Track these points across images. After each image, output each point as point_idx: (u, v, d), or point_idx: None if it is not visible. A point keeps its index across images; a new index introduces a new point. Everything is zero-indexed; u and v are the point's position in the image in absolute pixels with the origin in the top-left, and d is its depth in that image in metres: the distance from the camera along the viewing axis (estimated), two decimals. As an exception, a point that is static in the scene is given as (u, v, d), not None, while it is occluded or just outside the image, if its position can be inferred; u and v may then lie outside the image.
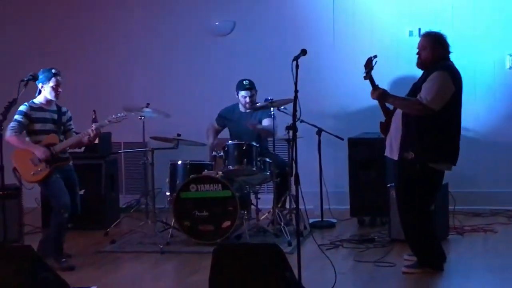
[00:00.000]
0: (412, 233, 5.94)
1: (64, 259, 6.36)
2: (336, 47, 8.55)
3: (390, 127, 5.99)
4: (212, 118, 7.95)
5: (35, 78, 6.42)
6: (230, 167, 7.00)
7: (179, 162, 7.30)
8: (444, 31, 8.19)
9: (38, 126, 6.44)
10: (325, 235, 7.21)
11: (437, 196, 6.10)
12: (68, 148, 6.62)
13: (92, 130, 6.44)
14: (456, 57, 8.37)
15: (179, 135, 7.25)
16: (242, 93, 7.55)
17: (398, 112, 5.91)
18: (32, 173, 6.39)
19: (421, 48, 5.89)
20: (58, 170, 6.45)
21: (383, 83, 8.29)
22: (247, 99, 7.54)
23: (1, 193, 6.22)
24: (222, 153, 7.08)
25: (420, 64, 5.92)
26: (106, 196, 7.96)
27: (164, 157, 7.59)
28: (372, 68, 5.88)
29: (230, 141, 7.17)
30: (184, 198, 6.97)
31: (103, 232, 7.50)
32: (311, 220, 7.42)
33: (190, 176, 7.05)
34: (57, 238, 6.39)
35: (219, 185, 6.93)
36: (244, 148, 6.99)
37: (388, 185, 7.01)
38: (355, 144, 7.71)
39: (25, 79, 6.37)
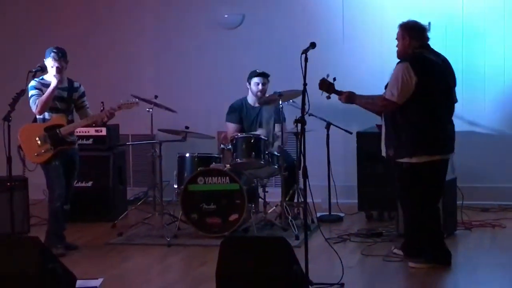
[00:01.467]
0: (412, 229, 5.92)
1: (63, 243, 6.47)
2: (345, 40, 8.51)
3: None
4: (220, 111, 7.90)
5: (43, 69, 6.41)
6: (238, 160, 6.99)
7: (187, 155, 7.30)
8: (454, 25, 8.24)
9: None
10: (332, 229, 7.19)
11: (441, 191, 6.00)
12: (75, 131, 6.63)
13: (106, 114, 6.43)
14: (466, 51, 8.37)
15: (187, 127, 7.23)
16: (255, 79, 7.47)
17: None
18: (35, 154, 6.40)
19: (397, 40, 5.89)
20: (61, 153, 6.43)
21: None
22: (260, 87, 7.48)
23: (8, 184, 6.23)
24: (230, 146, 7.07)
25: (397, 54, 5.88)
26: (114, 188, 7.96)
27: (172, 149, 7.59)
28: (331, 85, 5.92)
29: (238, 134, 7.15)
30: (192, 190, 6.96)
31: (110, 224, 7.50)
32: (318, 214, 7.40)
33: (198, 169, 7.04)
34: (53, 225, 6.50)
35: (227, 178, 6.92)
36: (252, 141, 6.97)
37: (397, 179, 6.99)
38: (363, 138, 7.68)
39: (34, 70, 6.38)
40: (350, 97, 5.94)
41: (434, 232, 5.88)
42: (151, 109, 7.32)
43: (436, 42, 8.26)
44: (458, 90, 8.20)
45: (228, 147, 7.10)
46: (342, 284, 5.37)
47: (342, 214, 7.78)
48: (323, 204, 7.81)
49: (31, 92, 6.41)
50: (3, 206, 6.67)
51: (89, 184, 7.85)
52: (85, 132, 7.92)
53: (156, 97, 7.39)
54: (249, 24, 8.76)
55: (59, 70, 6.41)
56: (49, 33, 9.12)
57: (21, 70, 6.53)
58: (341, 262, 5.52)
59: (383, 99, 5.73)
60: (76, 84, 6.58)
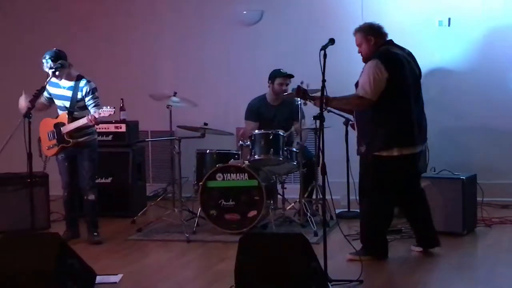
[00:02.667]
0: (367, 220, 6.01)
1: (66, 231, 6.78)
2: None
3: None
4: (239, 107, 7.92)
5: (63, 66, 6.44)
6: (257, 156, 6.99)
7: (206, 151, 7.31)
8: (474, 20, 8.19)
9: (55, 102, 6.68)
10: (351, 226, 7.16)
11: (414, 182, 6.12)
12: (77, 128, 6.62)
13: (90, 119, 6.46)
14: (485, 47, 8.32)
15: (206, 124, 7.25)
16: (280, 80, 7.46)
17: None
18: (46, 147, 6.72)
19: (358, 45, 5.97)
20: (65, 150, 6.65)
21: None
22: (283, 87, 7.48)
23: (29, 180, 6.27)
24: (248, 142, 7.07)
25: (364, 59, 5.94)
26: (133, 184, 8.00)
27: (191, 146, 7.61)
28: (305, 92, 5.98)
29: (256, 131, 7.15)
30: (211, 187, 6.98)
31: (130, 220, 7.54)
32: (337, 211, 7.40)
33: (217, 165, 7.05)
34: (67, 213, 6.90)
35: (246, 174, 6.92)
36: (270, 137, 6.97)
37: (416, 176, 6.97)
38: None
39: (54, 67, 6.41)
40: (325, 101, 5.93)
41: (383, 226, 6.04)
42: (170, 105, 7.34)
43: (455, 37, 8.29)
44: (478, 87, 8.24)
45: (246, 143, 7.10)
46: (361, 281, 5.36)
47: (361, 211, 7.75)
48: (342, 200, 7.80)
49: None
50: (23, 202, 6.72)
51: (109, 180, 7.89)
52: (105, 128, 7.97)
53: (175, 93, 7.41)
54: (268, 20, 8.76)
55: (56, 75, 6.52)
56: (68, 30, 9.18)
57: (40, 66, 6.56)
58: (360, 258, 5.51)
59: (357, 97, 5.78)
60: (81, 83, 6.60)
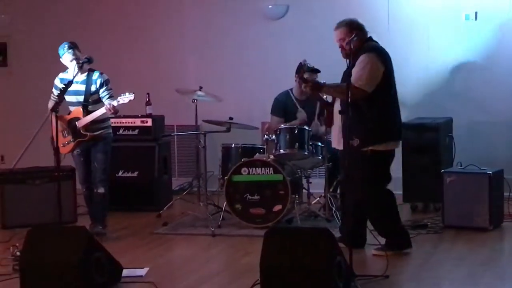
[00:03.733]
0: (377, 216, 5.99)
1: (94, 225, 6.72)
2: (390, 30, 8.43)
3: (333, 119, 6.07)
4: (264, 102, 7.91)
5: (90, 60, 6.48)
6: (282, 151, 6.98)
7: (231, 146, 7.32)
8: (502, 14, 8.12)
9: (67, 98, 6.51)
10: (377, 221, 7.15)
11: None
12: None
13: (109, 108, 6.45)
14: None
15: (231, 118, 7.25)
16: (306, 75, 7.43)
17: (337, 103, 5.98)
18: (62, 144, 6.61)
19: (341, 41, 5.92)
20: (81, 144, 6.64)
21: (441, 68, 8.27)
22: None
23: (56, 174, 6.32)
24: (274, 136, 7.07)
25: (345, 55, 5.90)
26: (159, 178, 8.03)
27: (216, 140, 7.63)
28: (305, 71, 5.97)
29: (282, 125, 7.14)
30: (236, 181, 6.99)
31: (155, 214, 7.57)
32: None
33: (242, 160, 7.06)
34: (89, 207, 6.87)
35: (271, 169, 6.93)
36: (296, 132, 6.96)
37: (442, 170, 6.94)
38: (408, 129, 7.60)
39: (81, 61, 6.44)
40: (316, 87, 5.97)
41: (397, 213, 6.04)
42: (196, 100, 7.36)
43: (482, 31, 8.22)
44: (505, 81, 8.17)
45: (272, 138, 7.10)
46: (387, 276, 5.35)
47: (386, 206, 7.73)
48: (367, 195, 7.76)
49: (53, 90, 6.73)
50: (51, 196, 6.78)
51: (135, 174, 7.93)
52: (131, 123, 8.01)
53: (200, 88, 7.43)
54: (293, 14, 8.74)
55: (78, 66, 6.48)
56: (93, 25, 9.23)
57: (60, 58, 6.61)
58: (386, 253, 5.49)
59: (353, 87, 5.71)
60: (94, 76, 6.59)
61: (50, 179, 7.15)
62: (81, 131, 6.60)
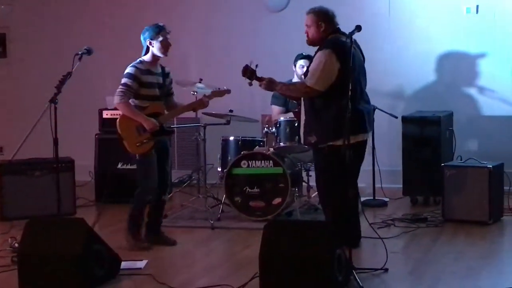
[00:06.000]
0: (331, 212, 5.88)
1: (161, 235, 6.26)
2: (391, 23, 8.42)
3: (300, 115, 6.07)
4: (264, 94, 7.86)
5: (89, 52, 6.41)
6: (282, 143, 6.97)
7: (231, 138, 7.31)
8: (503, 8, 8.09)
9: (144, 91, 6.05)
10: (377, 214, 7.15)
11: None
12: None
13: (205, 102, 6.33)
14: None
15: (231, 111, 7.24)
16: (301, 62, 7.39)
17: (302, 99, 5.97)
18: (137, 144, 6.02)
19: (307, 26, 5.92)
20: (158, 144, 6.12)
21: (441, 61, 8.24)
22: (305, 69, 7.44)
23: (55, 166, 6.30)
24: (274, 129, 7.05)
25: (309, 42, 5.95)
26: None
27: (216, 133, 7.61)
28: (253, 72, 5.94)
29: (282, 118, 7.13)
30: (236, 174, 6.98)
31: (155, 207, 7.55)
32: (363, 199, 7.36)
33: (242, 152, 7.05)
34: (137, 216, 6.15)
35: (271, 161, 6.92)
36: (296, 124, 6.94)
37: (442, 164, 6.93)
38: (409, 122, 7.61)
39: (80, 53, 6.39)
40: (270, 84, 5.97)
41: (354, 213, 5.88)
42: (196, 92, 7.34)
43: (484, 24, 8.20)
44: (506, 75, 8.15)
45: (271, 130, 7.09)
46: (386, 269, 5.34)
47: (386, 199, 7.73)
48: (367, 188, 7.76)
49: (126, 80, 6.01)
50: (50, 188, 6.77)
51: (134, 166, 7.87)
52: (130, 115, 7.97)
53: (200, 80, 7.41)
54: (294, 7, 8.71)
55: (167, 52, 6.09)
56: (92, 15, 9.21)
57: (67, 52, 6.58)
58: (385, 247, 5.49)
59: (305, 86, 5.73)
60: (167, 70, 6.27)
61: (50, 170, 7.13)
62: (165, 127, 6.16)
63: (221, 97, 6.59)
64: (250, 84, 6.02)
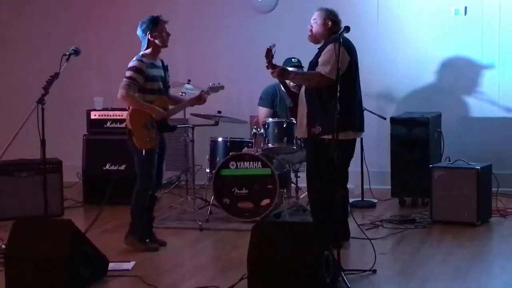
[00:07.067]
0: (320, 207, 5.90)
1: (148, 240, 6.13)
2: (380, 25, 8.42)
3: (297, 109, 6.12)
4: (253, 96, 7.87)
5: (77, 52, 6.37)
6: (270, 145, 6.96)
7: (219, 139, 7.29)
8: (491, 10, 8.11)
9: (149, 85, 5.99)
10: (365, 215, 7.15)
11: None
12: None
13: (204, 96, 6.30)
14: (502, 36, 8.24)
15: (219, 112, 7.23)
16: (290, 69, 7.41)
17: (302, 92, 6.05)
18: (147, 139, 5.95)
19: (313, 21, 6.08)
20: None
21: (430, 62, 8.25)
22: None
23: (42, 167, 6.27)
24: (262, 130, 7.04)
25: (311, 38, 6.10)
26: (147, 172, 7.97)
27: (205, 134, 7.59)
28: (272, 57, 5.95)
29: (270, 119, 7.12)
30: (224, 175, 6.97)
31: (143, 208, 7.52)
32: (351, 200, 7.35)
33: (230, 154, 7.04)
34: (140, 216, 6.08)
35: (259, 163, 6.91)
36: (284, 126, 6.94)
37: (431, 165, 6.94)
38: (397, 124, 7.62)
39: (67, 53, 6.34)
40: (282, 73, 6.02)
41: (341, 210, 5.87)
42: (184, 93, 7.32)
43: (472, 26, 8.22)
44: (493, 76, 8.17)
45: (260, 131, 7.08)
46: (375, 271, 5.34)
47: (375, 200, 7.73)
48: (356, 190, 7.76)
49: (131, 74, 5.93)
50: (37, 189, 6.73)
51: (122, 167, 7.88)
52: (119, 115, 7.97)
53: (189, 81, 7.40)
54: (282, 8, 8.71)
55: (167, 42, 6.07)
56: (80, 16, 9.17)
57: (54, 52, 6.55)
58: (374, 248, 5.49)
59: (320, 75, 5.82)
60: (166, 63, 6.24)
61: (37, 171, 7.09)
62: (169, 123, 6.11)
63: (216, 92, 6.59)
64: (268, 68, 5.98)
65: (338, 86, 5.34)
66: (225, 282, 5.13)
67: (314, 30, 6.07)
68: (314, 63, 5.96)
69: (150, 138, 5.96)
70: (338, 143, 5.27)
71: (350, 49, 5.91)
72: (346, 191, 6.10)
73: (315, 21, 6.07)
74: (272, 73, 5.99)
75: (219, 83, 6.66)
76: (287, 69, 6.10)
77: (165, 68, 6.23)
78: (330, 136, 5.74)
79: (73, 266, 5.01)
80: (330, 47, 5.86)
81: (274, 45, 5.97)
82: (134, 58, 6.04)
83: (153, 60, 6.08)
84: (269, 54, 5.95)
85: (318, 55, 5.98)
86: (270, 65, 5.96)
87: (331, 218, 5.63)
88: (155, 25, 6.07)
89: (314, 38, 6.10)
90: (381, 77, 8.42)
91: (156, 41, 6.06)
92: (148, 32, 6.06)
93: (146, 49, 6.10)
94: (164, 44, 6.10)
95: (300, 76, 6.18)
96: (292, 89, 6.43)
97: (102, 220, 6.94)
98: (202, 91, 6.43)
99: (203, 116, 7.34)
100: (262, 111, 7.49)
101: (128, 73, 5.97)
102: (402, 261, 5.74)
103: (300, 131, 6.16)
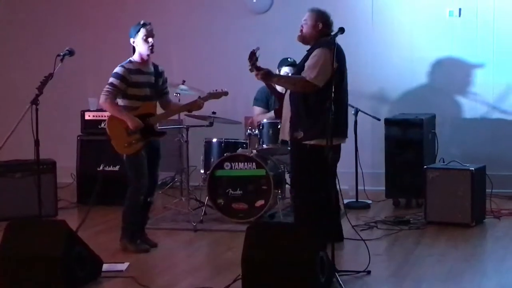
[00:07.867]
0: (305, 211, 5.88)
1: (139, 241, 6.12)
2: (374, 26, 8.43)
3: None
4: (247, 96, 7.87)
5: (71, 53, 6.35)
6: (265, 145, 6.97)
7: (214, 140, 7.29)
8: (485, 11, 8.12)
9: (133, 91, 5.99)
10: (359, 216, 7.15)
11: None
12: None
13: (200, 103, 6.25)
14: (496, 37, 8.26)
15: (214, 113, 7.22)
16: (286, 69, 7.40)
17: (287, 95, 5.99)
18: (125, 144, 5.98)
19: (304, 22, 6.02)
20: (148, 145, 6.07)
21: (424, 63, 8.27)
22: None
23: (36, 167, 6.26)
24: (257, 131, 7.04)
25: (300, 38, 6.04)
26: (141, 172, 7.95)
27: (199, 134, 7.59)
28: (256, 60, 5.93)
29: (265, 120, 7.12)
30: (218, 176, 6.96)
31: (137, 209, 7.51)
32: (346, 201, 7.36)
33: (225, 154, 7.03)
34: (131, 219, 6.10)
35: (253, 163, 6.91)
36: (279, 127, 6.93)
37: (425, 166, 6.95)
38: (392, 125, 7.63)
39: (62, 54, 6.32)
40: (266, 76, 5.97)
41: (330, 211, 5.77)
42: (179, 94, 7.32)
43: (466, 27, 8.23)
44: (488, 78, 8.19)
45: (254, 132, 7.08)
46: (369, 272, 5.34)
47: (369, 201, 7.74)
48: (350, 191, 7.77)
49: (112, 80, 5.96)
50: (31, 189, 6.72)
51: (116, 168, 7.86)
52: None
53: (183, 82, 7.39)
54: (277, 8, 8.72)
55: (152, 49, 6.00)
56: (75, 16, 9.16)
57: (48, 52, 6.53)
58: (368, 249, 5.49)
59: (305, 80, 5.76)
60: (160, 69, 6.18)
61: (31, 172, 7.08)
62: (156, 129, 6.13)
63: (217, 99, 6.53)
64: (251, 71, 5.98)
65: (333, 87, 5.32)
66: (219, 283, 5.13)
67: (304, 30, 6.01)
68: (301, 67, 5.91)
69: (129, 143, 5.98)
70: (330, 147, 5.23)
71: (338, 54, 5.77)
72: (335, 194, 6.01)
73: (305, 22, 6.01)
74: (256, 75, 5.95)
75: (222, 89, 6.58)
76: (272, 72, 6.01)
77: (158, 74, 6.16)
78: (311, 142, 5.78)
79: (67, 267, 5.00)
80: (318, 51, 5.80)
81: (258, 48, 5.96)
82: (120, 64, 6.05)
83: (140, 66, 6.05)
84: (252, 57, 5.93)
85: (305, 58, 5.92)
86: (254, 67, 5.93)
87: (314, 220, 5.65)
88: (137, 31, 6.04)
89: (303, 39, 6.03)
90: (376, 78, 8.43)
91: (139, 48, 6.04)
92: (132, 39, 6.07)
93: (134, 54, 6.10)
94: (146, 51, 6.01)
95: (284, 80, 6.12)
96: (279, 91, 6.42)
97: (96, 221, 6.94)
98: (199, 97, 6.38)
99: (197, 117, 7.33)
100: (257, 111, 7.49)
101: (110, 79, 6.00)
102: (396, 262, 5.74)
103: (282, 134, 6.15)
